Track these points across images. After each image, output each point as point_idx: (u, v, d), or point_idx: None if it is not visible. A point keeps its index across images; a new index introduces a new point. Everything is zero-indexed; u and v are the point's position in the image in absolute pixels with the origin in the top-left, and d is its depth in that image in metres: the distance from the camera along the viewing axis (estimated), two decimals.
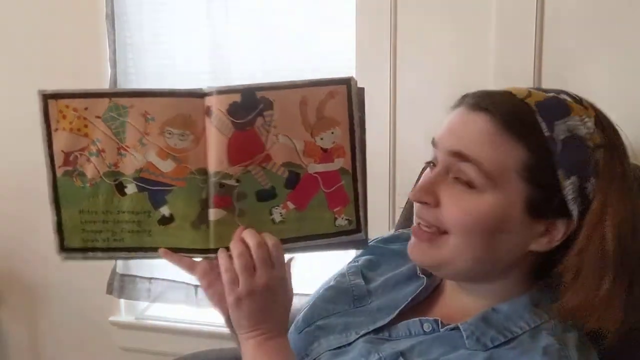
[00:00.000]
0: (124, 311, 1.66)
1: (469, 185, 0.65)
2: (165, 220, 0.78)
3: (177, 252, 0.78)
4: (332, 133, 0.80)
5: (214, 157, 0.78)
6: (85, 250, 0.79)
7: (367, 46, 1.29)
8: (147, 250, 0.79)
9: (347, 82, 0.80)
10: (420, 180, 0.72)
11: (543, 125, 0.64)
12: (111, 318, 1.64)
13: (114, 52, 1.49)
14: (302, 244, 0.79)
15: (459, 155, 0.65)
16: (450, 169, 0.67)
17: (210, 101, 0.79)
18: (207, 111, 0.79)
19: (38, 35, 1.56)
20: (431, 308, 0.77)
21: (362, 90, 0.81)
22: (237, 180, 0.78)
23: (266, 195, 0.79)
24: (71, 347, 1.69)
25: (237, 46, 1.46)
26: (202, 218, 0.78)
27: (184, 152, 0.78)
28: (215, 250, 0.78)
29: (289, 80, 0.80)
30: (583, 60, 1.07)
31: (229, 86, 0.79)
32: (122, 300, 1.64)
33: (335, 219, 0.79)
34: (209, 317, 1.55)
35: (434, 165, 0.72)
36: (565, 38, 1.09)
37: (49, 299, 1.68)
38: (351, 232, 0.79)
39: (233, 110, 0.78)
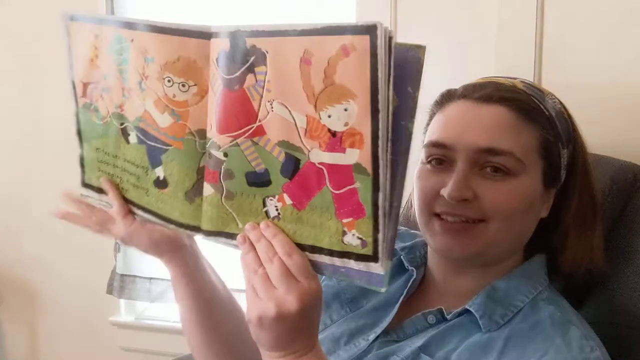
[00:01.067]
0: (124, 311, 1.62)
1: (505, 172, 0.66)
2: (160, 184, 0.67)
3: (170, 223, 0.67)
4: (346, 110, 0.52)
5: (208, 119, 0.61)
6: (101, 191, 0.76)
7: None
8: (146, 210, 0.69)
9: (371, 30, 0.49)
10: (453, 177, 0.66)
11: (542, 107, 0.68)
12: (111, 318, 1.60)
13: None
14: None
15: (490, 151, 0.65)
16: (478, 162, 0.66)
17: (211, 45, 0.59)
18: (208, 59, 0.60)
19: (38, 35, 1.53)
20: (425, 299, 0.73)
21: (418, 50, 0.50)
22: (225, 154, 0.60)
23: (258, 180, 0.60)
24: (71, 347, 1.68)
25: None
26: (198, 190, 0.64)
27: (183, 106, 0.62)
28: (207, 233, 0.64)
29: (289, 24, 0.53)
30: (583, 59, 1.05)
31: (219, 27, 0.56)
32: (122, 300, 1.60)
33: (344, 233, 0.56)
34: None
35: (442, 162, 0.68)
36: (565, 37, 1.07)
37: (48, 299, 1.66)
38: (364, 258, 0.55)
39: (221, 61, 0.58)
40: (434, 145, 0.68)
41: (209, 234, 0.64)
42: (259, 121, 0.57)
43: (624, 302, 0.75)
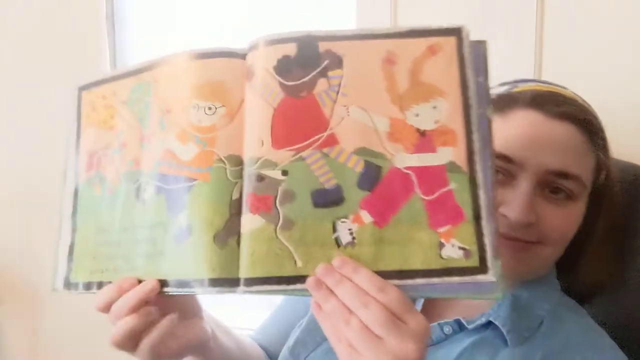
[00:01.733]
0: None
1: (567, 196, 0.63)
2: (182, 235, 0.52)
3: (191, 286, 0.50)
4: (434, 108, 0.51)
5: (253, 136, 0.50)
6: (90, 285, 0.57)
7: None
8: (166, 284, 0.52)
9: (456, 32, 0.52)
10: (518, 199, 0.61)
11: (601, 126, 0.66)
12: None
13: (114, 52, 1.45)
14: None
15: (561, 174, 0.62)
16: (543, 183, 0.62)
17: (253, 58, 0.53)
18: (248, 73, 0.52)
19: (38, 35, 1.52)
20: (437, 307, 0.67)
21: (482, 45, 0.53)
22: (284, 172, 0.49)
23: (328, 199, 0.50)
24: (71, 346, 1.61)
25: (239, 44, 1.39)
26: (232, 228, 0.50)
27: (210, 130, 0.52)
28: (248, 282, 0.48)
29: (368, 28, 0.53)
30: (584, 60, 1.05)
31: (282, 34, 0.52)
32: None
33: (441, 245, 0.49)
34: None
35: (499, 173, 0.63)
36: (566, 37, 1.06)
37: (48, 299, 1.62)
38: (469, 271, 0.48)
39: (283, 67, 0.51)
40: (498, 156, 0.61)
41: (253, 282, 0.49)
42: (331, 129, 0.51)
43: (628, 304, 0.72)
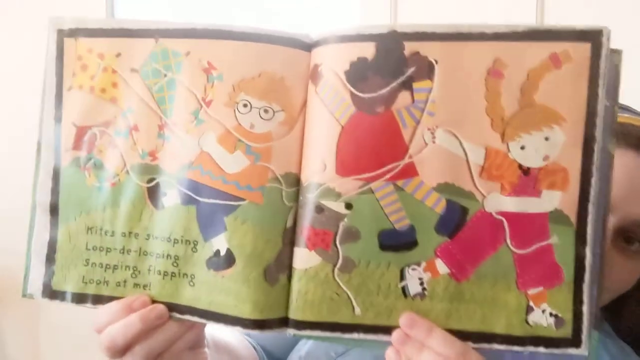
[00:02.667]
0: None
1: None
2: (219, 262, 0.43)
3: (220, 320, 0.43)
4: (547, 139, 0.40)
5: (314, 156, 0.42)
6: (83, 297, 0.47)
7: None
8: (184, 311, 0.44)
9: (594, 37, 0.39)
10: None
11: None
12: None
13: None
14: None
15: None
16: (624, 231, 0.52)
17: (320, 55, 0.42)
18: (313, 73, 0.41)
19: (37, 34, 1.49)
20: None
21: (615, 56, 0.40)
22: (348, 205, 0.41)
23: (398, 241, 0.42)
24: (71, 347, 1.62)
25: None
26: (284, 262, 0.43)
27: (265, 139, 0.43)
28: (299, 325, 0.42)
29: (473, 24, 0.40)
30: None
31: (359, 27, 0.40)
32: None
33: (530, 309, 0.41)
34: None
35: None
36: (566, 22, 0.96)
37: None
38: (559, 343, 0.41)
39: (358, 73, 0.41)
40: None
41: (304, 326, 0.43)
42: (410, 157, 0.41)
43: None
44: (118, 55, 0.45)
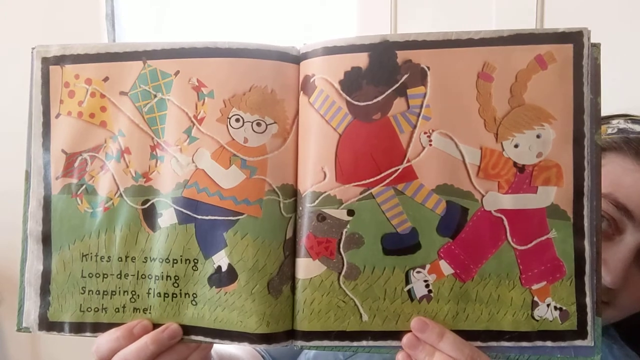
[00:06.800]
0: None
1: None
2: (221, 278, 0.43)
3: (226, 338, 0.42)
4: (539, 136, 0.41)
5: (312, 165, 0.42)
6: (82, 327, 0.45)
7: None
8: (188, 331, 0.43)
9: (575, 38, 0.41)
10: (621, 263, 0.51)
11: None
12: None
13: None
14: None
15: None
16: None
17: (310, 67, 0.43)
18: (305, 85, 0.42)
19: (38, 35, 1.48)
20: None
21: (594, 51, 0.42)
22: (350, 212, 0.41)
23: (401, 245, 0.42)
24: (71, 346, 1.57)
25: None
26: (285, 273, 0.42)
27: (260, 153, 0.43)
28: (306, 336, 0.41)
29: (461, 31, 0.42)
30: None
31: (350, 39, 0.41)
32: None
33: (535, 304, 0.41)
34: None
35: (612, 226, 0.52)
36: (566, 23, 0.97)
37: None
38: (566, 336, 0.41)
39: (352, 82, 0.41)
40: (617, 205, 0.52)
41: (312, 337, 0.43)
42: (408, 161, 0.42)
43: None
44: (106, 79, 0.45)
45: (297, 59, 0.44)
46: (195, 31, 1.40)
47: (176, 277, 0.43)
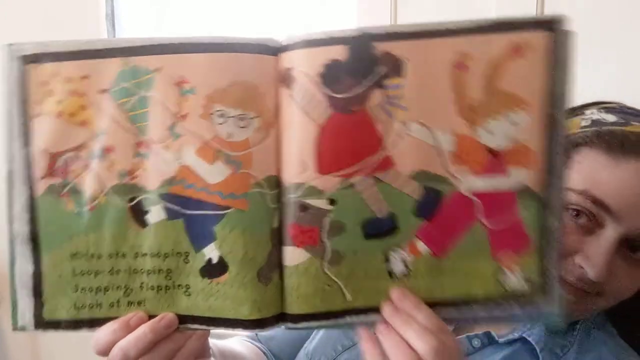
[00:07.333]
0: None
1: None
2: (212, 270, 0.44)
3: (231, 326, 0.45)
4: (513, 122, 0.43)
5: (294, 158, 0.43)
6: (78, 323, 0.46)
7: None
8: (184, 320, 0.46)
9: (551, 25, 0.41)
10: (602, 257, 0.53)
11: None
12: None
13: None
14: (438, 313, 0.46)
15: None
16: (629, 241, 0.54)
17: (290, 59, 0.43)
18: (285, 77, 0.42)
19: (38, 35, 1.42)
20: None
21: (569, 37, 0.42)
22: (332, 201, 0.43)
23: (380, 229, 0.45)
24: (71, 345, 1.57)
25: None
26: (273, 262, 0.45)
27: (244, 147, 0.44)
28: (295, 319, 0.45)
29: (438, 22, 0.41)
30: (584, 62, 0.88)
31: (328, 32, 0.41)
32: None
33: (504, 275, 0.45)
34: None
35: (581, 215, 0.54)
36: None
37: None
38: (532, 301, 0.45)
39: (332, 75, 0.42)
40: (594, 201, 0.53)
41: (300, 319, 0.46)
42: (386, 150, 0.43)
43: None
44: (85, 77, 0.44)
45: (276, 50, 0.43)
46: (195, 31, 1.41)
47: (168, 270, 0.45)
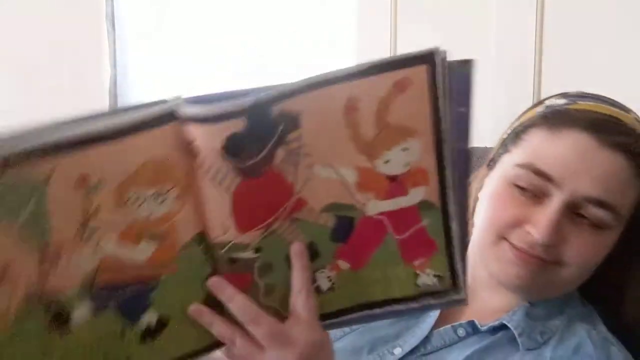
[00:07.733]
0: None
1: (599, 226, 0.60)
2: (152, 332, 0.47)
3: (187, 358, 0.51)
4: (404, 150, 0.47)
5: (215, 222, 0.46)
6: None
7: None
8: None
9: (428, 59, 0.44)
10: (547, 220, 0.58)
11: None
12: None
13: (114, 52, 1.49)
14: (361, 314, 0.53)
15: (597, 203, 0.58)
16: (576, 207, 0.59)
17: (193, 132, 0.43)
18: (190, 149, 0.43)
19: (38, 35, 1.55)
20: (453, 311, 0.66)
21: (467, 65, 0.46)
22: (257, 250, 0.47)
23: None
24: None
25: (239, 45, 1.43)
26: (212, 303, 0.49)
27: (165, 221, 0.45)
28: None
29: (322, 74, 0.44)
30: (584, 53, 1.07)
31: (225, 106, 0.41)
32: None
33: (417, 275, 0.52)
34: None
35: (529, 189, 0.60)
36: (566, 28, 1.09)
37: None
38: (443, 294, 0.53)
39: (234, 147, 0.43)
40: (537, 173, 0.58)
41: None
42: (298, 194, 0.47)
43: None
44: None
45: (176, 117, 0.43)
46: (195, 31, 1.43)
47: (106, 353, 0.46)
